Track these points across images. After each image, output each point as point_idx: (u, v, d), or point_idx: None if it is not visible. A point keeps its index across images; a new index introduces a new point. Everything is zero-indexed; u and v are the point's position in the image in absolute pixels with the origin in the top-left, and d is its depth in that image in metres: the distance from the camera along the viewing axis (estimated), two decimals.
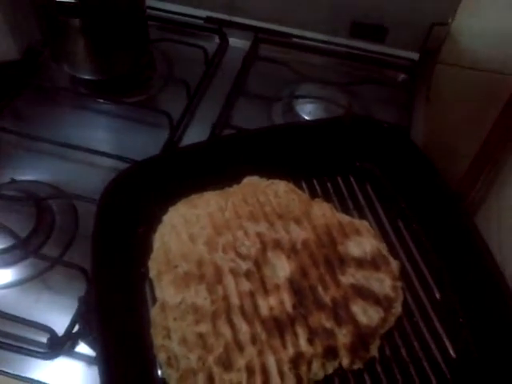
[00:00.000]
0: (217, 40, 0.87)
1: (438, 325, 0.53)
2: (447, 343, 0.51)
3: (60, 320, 0.54)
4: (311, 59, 0.86)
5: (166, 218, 0.58)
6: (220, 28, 0.86)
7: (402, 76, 0.85)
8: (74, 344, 0.54)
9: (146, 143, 0.71)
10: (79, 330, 0.50)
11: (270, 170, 0.63)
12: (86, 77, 0.75)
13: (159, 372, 0.49)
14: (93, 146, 0.68)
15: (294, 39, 0.87)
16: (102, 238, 0.54)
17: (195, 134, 0.73)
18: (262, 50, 0.87)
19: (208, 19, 0.87)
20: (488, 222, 0.89)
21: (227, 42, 0.87)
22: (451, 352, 0.51)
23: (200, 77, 0.80)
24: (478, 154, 0.95)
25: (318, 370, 0.49)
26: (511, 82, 0.86)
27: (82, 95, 0.77)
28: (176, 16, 0.88)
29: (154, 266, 0.55)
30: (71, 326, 0.53)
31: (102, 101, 0.75)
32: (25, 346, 0.52)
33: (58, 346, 0.52)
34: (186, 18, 0.88)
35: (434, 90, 0.88)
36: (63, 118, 0.74)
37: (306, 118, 0.75)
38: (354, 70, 0.85)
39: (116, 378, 0.45)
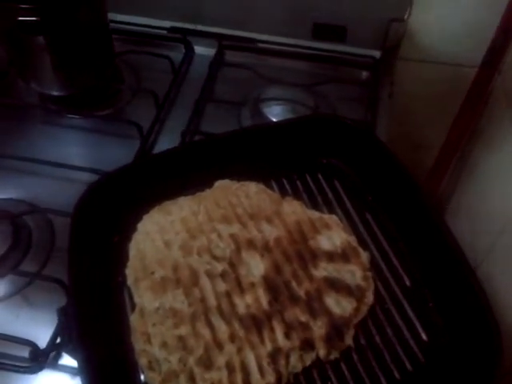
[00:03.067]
0: (182, 49, 0.88)
1: (409, 311, 0.54)
2: (419, 328, 0.53)
3: (42, 334, 0.54)
4: (276, 62, 0.88)
5: (141, 226, 0.59)
6: (185, 37, 0.88)
7: (364, 74, 0.88)
8: (58, 356, 0.54)
9: (117, 155, 0.72)
10: (61, 341, 0.51)
11: (240, 173, 0.64)
12: (54, 93, 0.75)
13: (142, 377, 0.50)
14: (65, 161, 0.69)
15: (259, 44, 0.89)
16: (78, 249, 0.55)
17: (166, 142, 0.74)
18: (228, 56, 0.88)
19: (172, 29, 0.89)
20: (458, 214, 0.91)
21: (193, 50, 0.88)
22: (423, 336, 0.53)
23: (168, 86, 0.81)
24: (443, 146, 0.98)
25: (296, 362, 0.50)
26: (471, 74, 0.89)
27: (51, 111, 0.77)
28: (140, 28, 0.89)
29: (130, 273, 0.56)
30: (53, 338, 0.53)
31: (71, 116, 0.76)
32: (7, 361, 0.53)
33: (41, 358, 0.52)
34: (150, 30, 0.89)
35: (397, 86, 0.91)
36: (34, 134, 0.75)
37: (274, 120, 0.77)
38: (318, 70, 0.87)
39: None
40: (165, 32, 0.89)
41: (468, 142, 0.92)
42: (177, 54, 0.86)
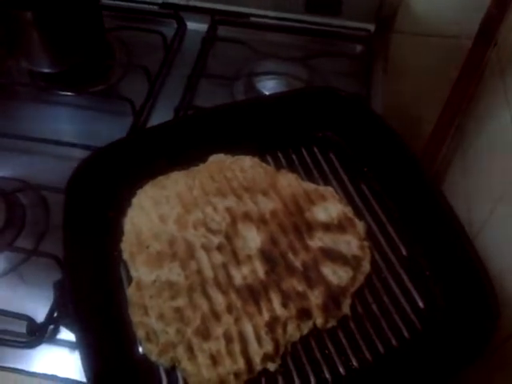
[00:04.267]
0: (174, 25, 0.87)
1: (405, 279, 0.55)
2: (415, 295, 0.54)
3: (39, 310, 0.54)
4: (269, 37, 0.86)
5: (135, 201, 0.59)
6: (176, 12, 0.87)
7: (359, 47, 0.87)
8: (56, 331, 0.54)
9: (110, 131, 0.71)
10: (57, 314, 0.51)
11: (235, 147, 0.64)
12: (44, 70, 0.74)
13: (140, 348, 0.50)
14: (57, 138, 0.68)
15: (252, 18, 0.88)
16: (73, 225, 0.55)
17: (159, 118, 0.73)
18: (220, 31, 0.87)
19: (164, 4, 0.87)
20: (455, 187, 0.91)
21: (185, 25, 0.87)
22: (420, 303, 0.53)
23: (160, 62, 0.80)
24: (439, 119, 0.97)
25: (293, 331, 0.50)
26: (467, 46, 0.88)
27: (42, 89, 0.76)
28: (131, 4, 0.87)
29: (126, 247, 0.56)
30: (50, 312, 0.53)
31: (62, 93, 0.75)
32: (6, 337, 0.53)
33: (38, 333, 0.52)
34: (142, 5, 0.87)
35: (391, 60, 0.90)
36: (25, 112, 0.74)
37: (268, 94, 0.76)
38: (311, 44, 0.86)
39: (96, 357, 0.46)
40: (156, 8, 0.88)
41: (464, 113, 0.92)
42: (169, 30, 0.85)
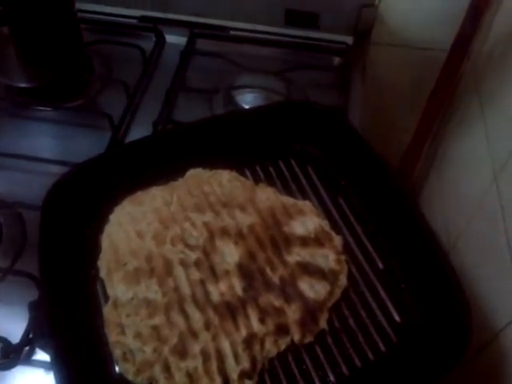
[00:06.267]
0: (153, 38, 0.87)
1: (382, 292, 0.55)
2: (391, 309, 0.54)
3: (14, 330, 0.54)
4: (248, 50, 0.87)
5: (113, 218, 0.59)
6: (155, 26, 0.87)
7: (337, 60, 0.88)
8: (31, 352, 0.54)
9: (88, 146, 0.71)
10: (33, 336, 0.51)
11: (213, 161, 0.64)
12: (21, 85, 0.74)
13: (117, 368, 0.50)
14: (34, 154, 0.68)
15: (231, 31, 0.88)
16: (49, 243, 0.55)
17: (138, 133, 0.73)
18: (199, 44, 0.88)
19: (142, 18, 0.88)
20: (432, 197, 0.93)
21: (164, 39, 0.87)
22: (395, 317, 0.53)
23: (139, 76, 0.80)
24: (416, 130, 0.98)
25: (270, 347, 0.50)
26: (442, 57, 0.90)
27: (19, 104, 0.76)
28: (110, 17, 0.87)
29: (103, 265, 0.55)
30: (26, 333, 0.53)
31: (40, 108, 0.75)
32: None
33: (13, 355, 0.52)
34: (120, 19, 0.88)
35: (369, 71, 0.91)
36: (1, 128, 0.73)
37: (246, 107, 0.76)
38: (290, 57, 0.87)
39: (72, 378, 0.46)
40: (135, 21, 0.88)
41: (440, 125, 0.93)
42: (147, 43, 0.85)
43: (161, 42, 0.87)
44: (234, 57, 0.83)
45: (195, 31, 0.87)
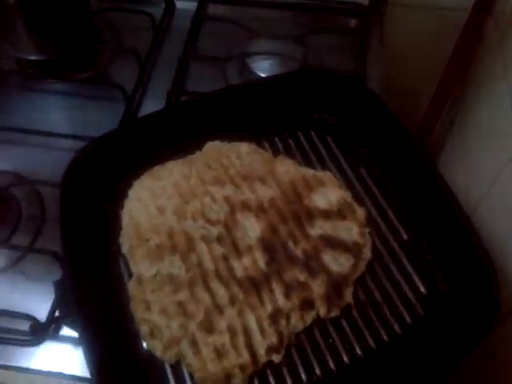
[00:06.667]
0: (163, 4, 0.84)
1: (407, 264, 0.54)
2: (417, 281, 0.53)
3: (41, 306, 0.54)
4: (262, 14, 0.84)
5: (132, 193, 0.58)
6: None
7: (353, 22, 0.84)
8: (58, 328, 0.54)
9: (102, 119, 0.70)
10: (59, 314, 0.51)
11: (230, 133, 0.63)
12: (31, 57, 0.72)
13: (144, 344, 0.50)
14: (48, 128, 0.67)
15: None
16: (70, 219, 0.54)
17: (151, 103, 0.72)
18: (211, 9, 0.84)
19: None
20: (452, 161, 0.91)
21: (174, 4, 0.84)
22: (422, 289, 0.53)
23: (149, 44, 0.78)
24: (436, 92, 0.96)
25: (297, 322, 0.50)
26: (462, 17, 0.86)
27: (30, 77, 0.74)
28: None
29: (125, 241, 0.55)
30: (52, 311, 0.53)
31: (51, 81, 0.73)
32: (9, 336, 0.53)
33: (41, 332, 0.52)
34: None
35: (387, 33, 0.88)
36: (13, 102, 0.72)
37: (262, 75, 0.74)
38: (305, 20, 0.84)
39: (100, 354, 0.46)
40: None
41: (460, 87, 0.90)
42: (157, 10, 0.82)
43: (170, 7, 0.83)
44: (246, 22, 0.80)
45: None
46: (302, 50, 0.77)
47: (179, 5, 0.85)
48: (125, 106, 0.70)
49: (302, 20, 0.83)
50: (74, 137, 0.66)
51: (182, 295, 0.51)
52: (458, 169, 0.86)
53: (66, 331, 0.54)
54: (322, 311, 0.51)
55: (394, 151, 0.60)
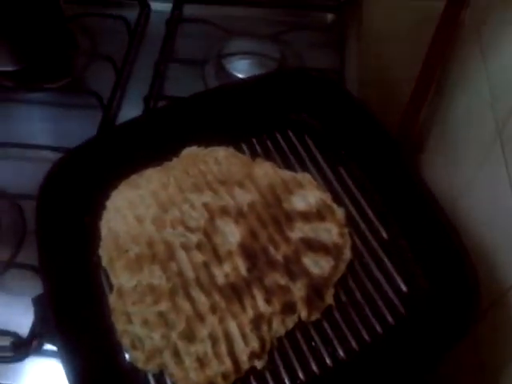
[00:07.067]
0: (138, 7, 0.83)
1: (388, 263, 0.54)
2: (398, 279, 0.53)
3: (22, 322, 0.54)
4: (237, 13, 0.83)
5: (110, 203, 0.58)
6: None
7: (330, 16, 0.84)
8: (41, 343, 0.54)
9: (80, 128, 0.69)
10: (38, 331, 0.51)
11: (208, 138, 0.62)
12: (4, 68, 0.71)
13: (126, 356, 0.50)
14: (24, 140, 0.66)
15: None
16: (48, 233, 0.54)
17: (129, 110, 0.72)
18: (186, 10, 0.84)
19: None
20: (437, 149, 0.91)
21: (148, 7, 0.83)
22: (403, 287, 0.53)
23: (126, 49, 0.77)
24: (417, 80, 0.95)
25: (278, 326, 0.50)
26: (441, 6, 0.86)
27: (4, 88, 0.73)
28: None
29: (104, 253, 0.55)
30: (33, 327, 0.53)
31: (26, 91, 0.72)
32: None
33: (23, 348, 0.52)
34: None
35: (365, 26, 0.87)
36: None
37: (240, 75, 0.74)
38: (282, 18, 0.83)
39: (82, 369, 0.46)
40: None
41: (442, 74, 0.90)
42: (132, 13, 0.82)
43: (145, 10, 0.83)
44: (222, 22, 0.80)
45: None
46: (280, 48, 0.77)
47: (154, 6, 0.84)
48: (102, 114, 0.69)
49: (279, 17, 0.83)
50: (53, 148, 0.65)
51: (163, 305, 0.51)
52: (441, 158, 0.86)
53: (49, 346, 0.53)
54: (304, 314, 0.51)
55: (372, 151, 0.60)
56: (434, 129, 0.94)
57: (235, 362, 0.48)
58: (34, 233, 0.54)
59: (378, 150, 0.59)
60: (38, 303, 0.49)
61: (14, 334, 0.52)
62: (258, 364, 0.49)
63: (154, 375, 0.49)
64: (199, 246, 0.54)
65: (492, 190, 0.64)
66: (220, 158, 0.60)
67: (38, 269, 0.54)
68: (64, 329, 0.47)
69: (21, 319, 0.54)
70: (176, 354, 0.49)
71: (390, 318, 0.51)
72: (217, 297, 0.51)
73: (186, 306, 0.51)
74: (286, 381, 0.49)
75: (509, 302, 0.56)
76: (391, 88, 0.98)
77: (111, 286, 0.53)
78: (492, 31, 0.72)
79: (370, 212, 0.58)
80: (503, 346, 0.53)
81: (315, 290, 0.51)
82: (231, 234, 0.55)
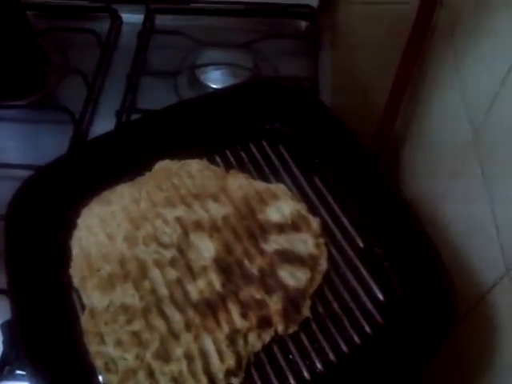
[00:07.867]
0: (109, 19, 0.82)
1: (364, 272, 0.54)
2: (375, 288, 0.53)
3: None
4: (209, 22, 0.83)
5: (81, 221, 0.57)
6: (108, 5, 0.82)
7: (303, 24, 0.84)
8: (12, 369, 0.52)
9: (52, 144, 0.68)
10: (7, 357, 0.49)
11: (181, 151, 0.62)
12: None
13: (100, 378, 0.49)
14: None
15: (191, 4, 0.83)
16: (17, 253, 0.53)
17: (101, 124, 0.70)
18: (158, 21, 0.83)
19: None
20: (414, 154, 0.91)
21: (119, 19, 0.83)
22: (380, 296, 0.52)
23: (97, 62, 0.76)
24: (393, 86, 0.95)
25: (255, 341, 0.49)
26: (414, 10, 0.86)
27: None
28: (60, 1, 0.82)
29: (76, 273, 0.54)
30: (3, 355, 0.51)
31: None
32: None
33: None
34: (71, 1, 0.82)
35: (339, 34, 0.87)
36: None
37: (213, 86, 0.73)
38: (255, 26, 0.83)
39: None
40: (86, 2, 0.82)
41: (416, 79, 0.90)
42: (103, 25, 0.81)
43: (117, 22, 0.82)
44: (195, 32, 0.79)
45: (152, 6, 0.82)
46: (253, 58, 0.77)
47: (126, 18, 0.83)
48: (73, 129, 0.68)
49: (251, 26, 0.82)
50: (23, 166, 0.64)
51: (137, 324, 0.50)
52: (420, 163, 0.86)
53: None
54: (280, 328, 0.50)
55: (346, 160, 0.59)
56: (409, 137, 0.95)
57: (211, 380, 0.47)
58: (3, 253, 0.52)
59: (351, 159, 0.59)
60: (7, 329, 0.47)
61: None
62: (235, 381, 0.48)
63: None
64: (173, 263, 0.53)
65: (467, 200, 0.64)
66: (193, 172, 0.60)
67: (6, 292, 0.53)
68: (34, 355, 0.46)
69: None
70: (151, 374, 0.48)
71: (367, 328, 0.51)
72: (191, 313, 0.50)
73: (160, 324, 0.50)
74: None
75: (485, 309, 0.56)
76: (365, 96, 0.98)
77: (83, 307, 0.52)
78: (465, 37, 0.72)
79: (345, 221, 0.57)
80: (481, 352, 0.53)
81: (292, 303, 0.51)
82: (205, 248, 0.54)
